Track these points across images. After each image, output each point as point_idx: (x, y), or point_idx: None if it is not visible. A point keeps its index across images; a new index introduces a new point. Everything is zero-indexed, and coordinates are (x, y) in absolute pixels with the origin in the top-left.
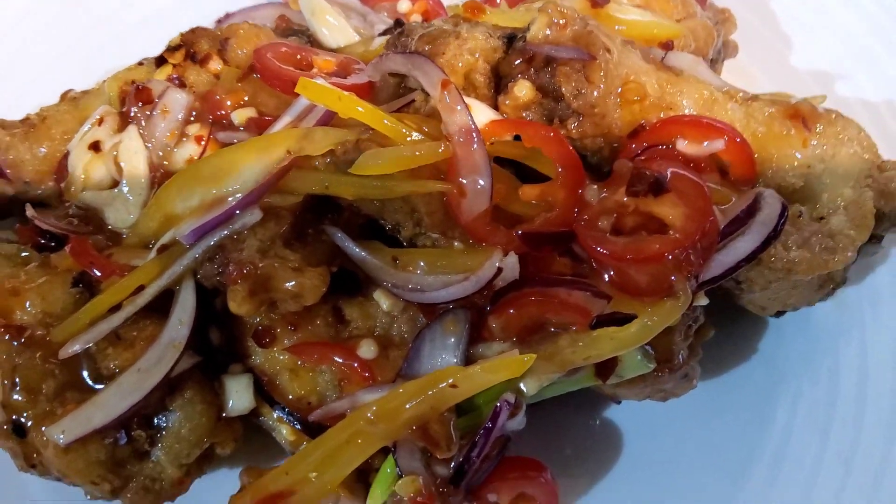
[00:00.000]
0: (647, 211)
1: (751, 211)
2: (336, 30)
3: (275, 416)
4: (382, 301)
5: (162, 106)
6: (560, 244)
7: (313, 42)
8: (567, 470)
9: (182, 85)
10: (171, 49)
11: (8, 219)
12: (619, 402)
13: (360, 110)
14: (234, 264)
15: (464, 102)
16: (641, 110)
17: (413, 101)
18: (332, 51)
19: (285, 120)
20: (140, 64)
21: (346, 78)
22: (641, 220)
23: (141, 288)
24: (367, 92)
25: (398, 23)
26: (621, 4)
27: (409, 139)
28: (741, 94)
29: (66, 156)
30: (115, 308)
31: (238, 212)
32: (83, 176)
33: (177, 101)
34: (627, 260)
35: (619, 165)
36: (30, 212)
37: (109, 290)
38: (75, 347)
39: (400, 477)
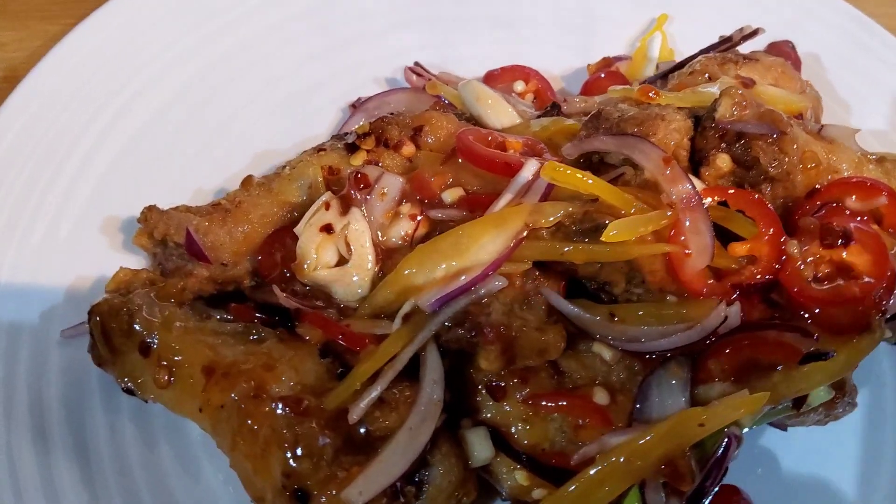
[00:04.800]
0: (838, 260)
1: None
2: (501, 112)
3: (509, 463)
4: (604, 353)
5: (380, 189)
6: (764, 292)
7: (477, 124)
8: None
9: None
10: (361, 136)
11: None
12: (785, 430)
13: (603, 186)
14: (488, 327)
15: (687, 175)
16: (816, 174)
17: (622, 174)
18: (499, 131)
19: (507, 196)
20: (321, 150)
21: (537, 157)
22: (832, 268)
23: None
24: None
25: (554, 105)
26: (761, 84)
27: (633, 209)
28: (871, 156)
29: (273, 237)
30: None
31: (481, 280)
32: (315, 256)
33: (393, 185)
34: (834, 303)
35: (806, 223)
36: (278, 292)
37: (369, 358)
38: (359, 411)
39: None
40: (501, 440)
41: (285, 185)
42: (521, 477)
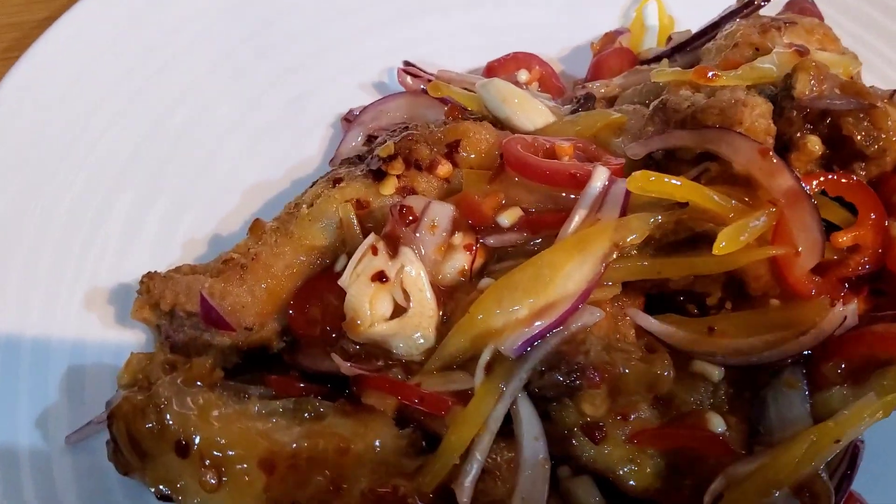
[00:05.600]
0: None
1: None
2: (532, 111)
3: None
4: (713, 372)
5: (429, 221)
6: (873, 283)
7: (503, 128)
8: None
9: (414, 194)
10: (387, 160)
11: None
12: None
13: (702, 192)
14: (591, 368)
15: (788, 166)
16: None
17: (706, 171)
18: (529, 133)
19: (581, 213)
20: (337, 180)
21: (595, 162)
22: None
23: None
24: (620, 172)
25: (588, 97)
26: (813, 49)
27: (731, 213)
28: None
29: (305, 291)
30: None
31: (571, 314)
32: (369, 310)
33: (444, 214)
34: None
35: None
36: (340, 363)
37: (459, 423)
38: (467, 491)
39: None
40: (607, 485)
41: (306, 227)
42: None
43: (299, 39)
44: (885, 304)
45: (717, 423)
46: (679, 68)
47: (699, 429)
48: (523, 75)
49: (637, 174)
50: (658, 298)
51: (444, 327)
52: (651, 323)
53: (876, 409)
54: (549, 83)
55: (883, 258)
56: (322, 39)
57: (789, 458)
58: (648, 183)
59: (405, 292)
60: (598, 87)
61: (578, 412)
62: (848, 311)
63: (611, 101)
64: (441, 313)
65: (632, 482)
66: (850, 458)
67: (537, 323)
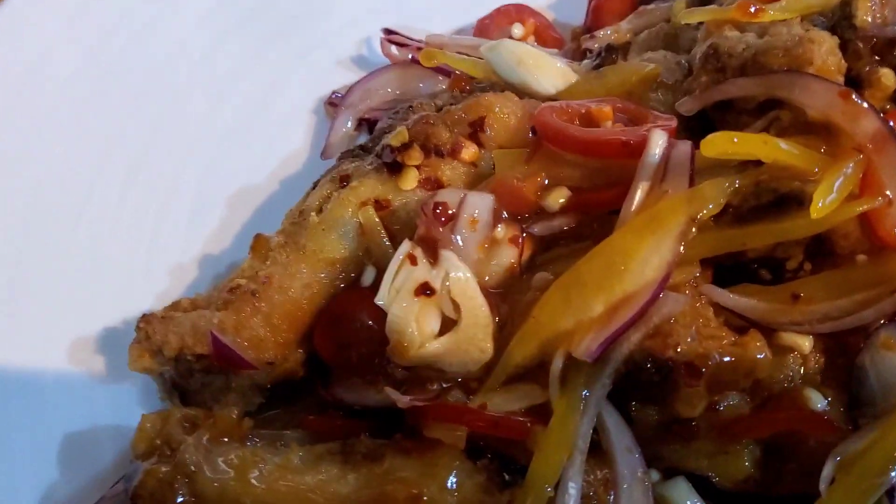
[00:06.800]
0: None
1: None
2: (551, 72)
3: None
4: (803, 344)
5: (468, 217)
6: None
7: (519, 94)
8: None
9: (439, 185)
10: (401, 148)
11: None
12: None
13: (786, 149)
14: (685, 365)
15: (872, 107)
16: None
17: (776, 120)
18: (552, 98)
19: (643, 185)
20: (344, 179)
21: (643, 124)
22: None
23: None
24: (674, 132)
25: (610, 48)
26: None
27: (816, 168)
28: None
29: (330, 312)
30: None
31: (652, 304)
32: (416, 330)
33: (483, 205)
34: None
35: None
36: (397, 397)
37: (544, 447)
38: None
39: None
40: (703, 482)
41: (320, 239)
42: None
43: (263, 20)
44: None
45: (816, 399)
46: (714, 6)
47: (798, 408)
48: (517, 30)
49: (714, 137)
50: (727, 268)
51: (501, 336)
52: (730, 299)
53: None
54: (546, 35)
55: None
56: (287, 18)
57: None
58: (731, 145)
59: (454, 302)
60: (609, 35)
61: (672, 413)
62: None
63: (623, 50)
64: (497, 319)
65: (729, 476)
66: None
67: (615, 319)
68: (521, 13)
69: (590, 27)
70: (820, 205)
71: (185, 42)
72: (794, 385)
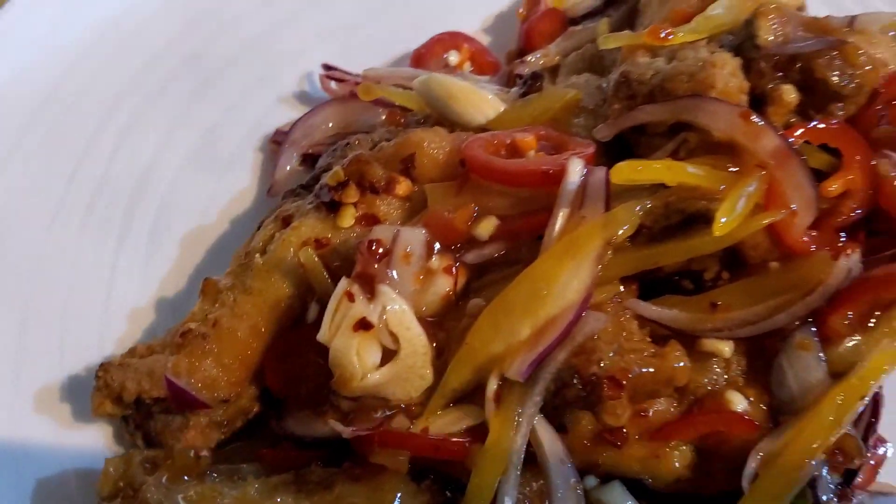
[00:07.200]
0: None
1: None
2: (480, 103)
3: None
4: (723, 349)
5: (401, 252)
6: (868, 225)
7: (451, 124)
8: None
9: (376, 221)
10: (337, 187)
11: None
12: None
13: (691, 172)
14: (607, 379)
15: (771, 125)
16: (873, 77)
17: (684, 142)
18: (482, 128)
19: (563, 212)
20: (286, 218)
21: (563, 151)
22: None
23: None
24: (592, 158)
25: (535, 76)
26: None
27: (721, 186)
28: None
29: (277, 349)
30: None
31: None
32: (357, 363)
33: (416, 239)
34: None
35: (883, 133)
36: (340, 428)
37: (481, 465)
38: None
39: None
40: (637, 485)
41: (265, 279)
42: None
43: (200, 60)
44: (882, 244)
45: (738, 401)
46: (628, 32)
47: (721, 410)
48: (454, 57)
49: (622, 165)
50: (651, 281)
51: (440, 362)
52: (653, 311)
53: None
54: (483, 60)
55: (874, 198)
56: (222, 55)
57: (819, 425)
58: (636, 173)
59: (392, 334)
60: (538, 60)
61: (599, 422)
62: (851, 262)
63: (553, 72)
64: (434, 346)
65: (661, 477)
66: (873, 406)
67: (542, 341)
68: (456, 40)
69: (523, 49)
70: (722, 222)
71: (131, 86)
72: (718, 388)
